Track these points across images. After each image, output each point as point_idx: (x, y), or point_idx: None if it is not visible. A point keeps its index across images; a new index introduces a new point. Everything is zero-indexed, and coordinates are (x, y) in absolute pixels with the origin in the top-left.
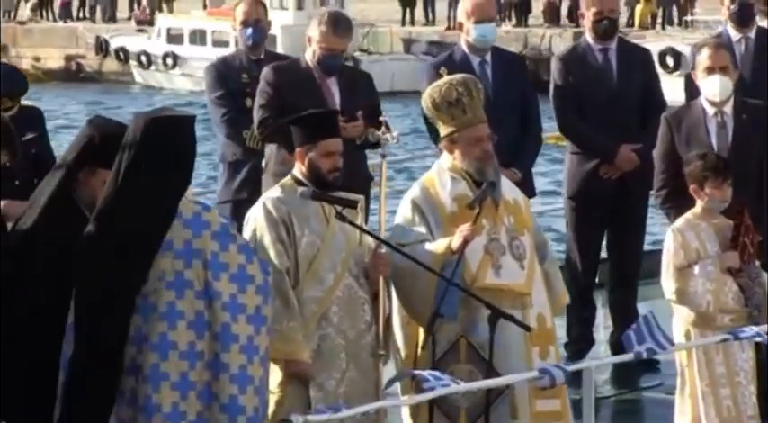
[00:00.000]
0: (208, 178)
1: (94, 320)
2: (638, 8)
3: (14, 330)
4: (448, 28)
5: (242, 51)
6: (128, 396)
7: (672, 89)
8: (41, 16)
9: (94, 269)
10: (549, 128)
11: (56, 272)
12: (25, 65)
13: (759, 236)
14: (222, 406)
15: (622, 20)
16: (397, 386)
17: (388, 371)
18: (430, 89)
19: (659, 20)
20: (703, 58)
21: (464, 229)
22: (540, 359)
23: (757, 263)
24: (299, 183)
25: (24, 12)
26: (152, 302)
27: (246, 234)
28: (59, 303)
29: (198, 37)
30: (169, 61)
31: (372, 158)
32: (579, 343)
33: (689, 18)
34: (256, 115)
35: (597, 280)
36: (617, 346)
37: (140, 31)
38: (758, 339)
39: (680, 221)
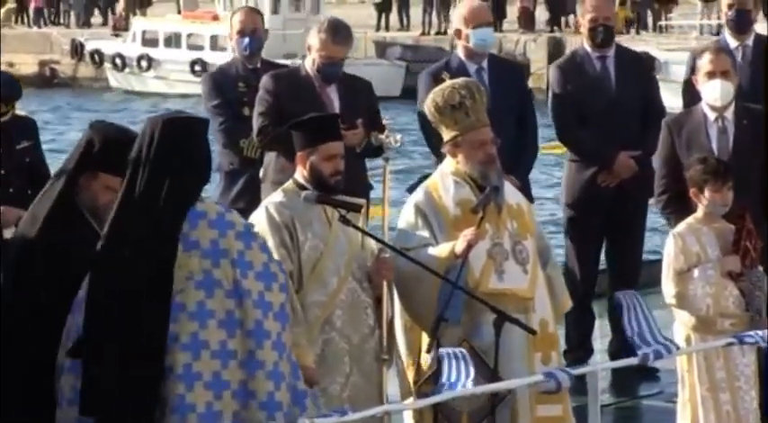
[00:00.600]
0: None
1: (134, 322)
2: None
3: (15, 334)
4: (422, 33)
5: (238, 60)
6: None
7: None
8: (17, 22)
9: (119, 272)
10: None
11: (57, 276)
12: None
13: (762, 241)
14: (261, 403)
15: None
16: (399, 392)
17: (392, 375)
18: (432, 93)
19: (634, 25)
20: (704, 62)
21: (468, 233)
22: (543, 364)
23: (760, 268)
24: (300, 187)
25: None
26: (181, 302)
27: None
28: (60, 306)
29: (173, 40)
30: (144, 64)
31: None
32: (578, 352)
33: (663, 23)
34: (256, 123)
35: (596, 289)
36: (615, 355)
37: (116, 35)
38: (764, 344)
39: (681, 226)
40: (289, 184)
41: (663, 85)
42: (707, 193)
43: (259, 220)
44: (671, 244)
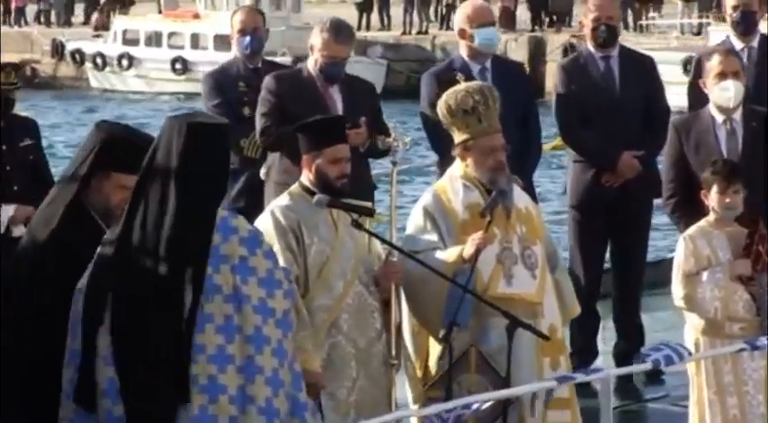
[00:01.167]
0: None
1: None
2: None
3: (24, 335)
4: (403, 33)
5: (239, 59)
6: None
7: None
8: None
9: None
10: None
11: (69, 279)
12: None
13: None
14: (260, 408)
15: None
16: (409, 397)
17: (399, 380)
18: (446, 95)
19: None
20: (714, 64)
21: (476, 237)
22: (551, 370)
23: None
24: (307, 190)
25: None
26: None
27: None
28: (66, 308)
29: (153, 39)
30: (124, 63)
31: (377, 169)
32: (583, 354)
33: (644, 23)
34: (258, 124)
35: (601, 290)
36: (620, 356)
37: (97, 35)
38: None
39: (693, 228)
40: (295, 187)
41: None
42: (713, 194)
43: (265, 223)
44: (681, 246)
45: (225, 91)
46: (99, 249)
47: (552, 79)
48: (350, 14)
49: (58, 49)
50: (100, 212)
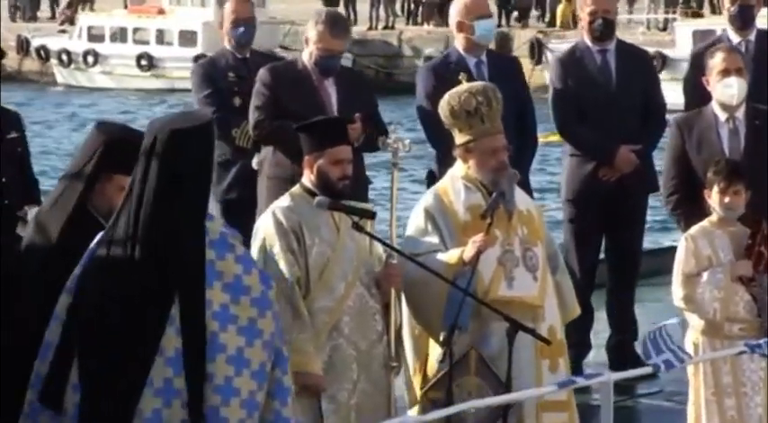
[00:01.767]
0: None
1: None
2: (560, 8)
3: (25, 337)
4: (370, 28)
5: (227, 50)
6: None
7: None
8: None
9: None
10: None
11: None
12: None
13: None
14: (202, 416)
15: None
16: (406, 399)
17: (400, 382)
18: (448, 96)
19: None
20: (717, 61)
21: (477, 239)
22: (550, 372)
23: None
24: (308, 191)
25: None
26: None
27: (256, 244)
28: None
29: (119, 35)
30: (90, 59)
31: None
32: (577, 348)
33: (580, 22)
34: (252, 117)
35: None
36: (613, 350)
37: (62, 31)
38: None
39: (695, 228)
40: (296, 188)
41: None
42: (714, 194)
43: (266, 225)
44: (682, 246)
45: (215, 81)
46: (90, 248)
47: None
48: (315, 9)
49: (23, 46)
50: (104, 215)
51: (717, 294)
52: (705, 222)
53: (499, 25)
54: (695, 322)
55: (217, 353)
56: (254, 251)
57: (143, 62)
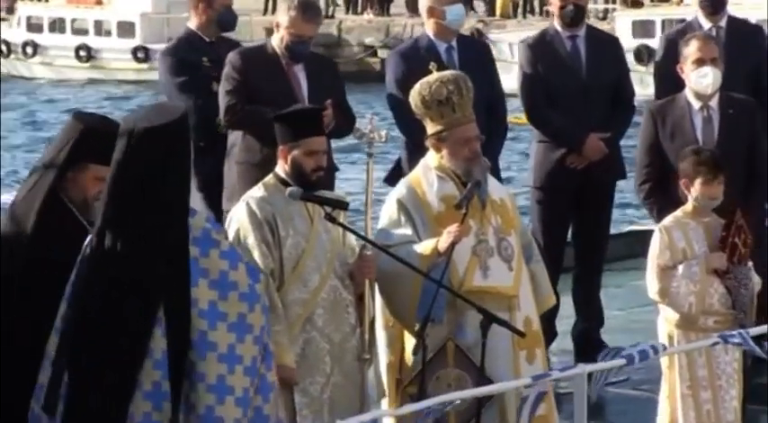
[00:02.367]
0: None
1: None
2: None
3: (11, 335)
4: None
5: (194, 33)
6: None
7: None
8: None
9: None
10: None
11: (47, 275)
12: None
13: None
14: (198, 416)
15: (482, 9)
16: (375, 392)
17: (372, 375)
18: (419, 85)
19: (520, 9)
20: (692, 50)
21: (452, 229)
22: (527, 363)
23: (750, 263)
24: (282, 181)
25: None
26: None
27: (229, 235)
28: (50, 312)
29: (57, 25)
30: (29, 50)
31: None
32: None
33: (550, 8)
34: (223, 101)
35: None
36: (579, 337)
37: (2, 19)
38: (746, 348)
39: (668, 219)
40: (269, 178)
41: None
42: (697, 185)
43: (239, 216)
44: (657, 238)
45: (190, 65)
46: (82, 252)
47: None
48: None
49: None
50: (77, 205)
51: (692, 288)
52: (678, 212)
53: None
54: (670, 315)
55: (207, 351)
56: None
57: (81, 53)
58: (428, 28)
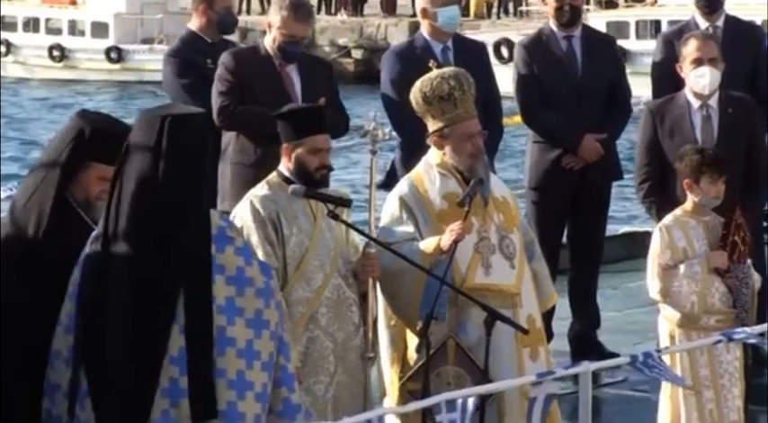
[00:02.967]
0: None
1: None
2: None
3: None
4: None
5: (196, 34)
6: None
7: (507, 80)
8: None
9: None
10: None
11: (56, 276)
12: None
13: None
14: (220, 413)
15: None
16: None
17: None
18: (420, 82)
19: (494, 10)
20: (691, 49)
21: (454, 227)
22: (531, 360)
23: (749, 261)
24: (286, 180)
25: None
26: None
27: None
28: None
29: (31, 24)
30: (2, 49)
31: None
32: None
33: (524, 8)
34: (216, 102)
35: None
36: (576, 339)
37: None
38: (752, 341)
39: (668, 218)
40: (273, 176)
41: None
42: (702, 184)
43: (243, 214)
44: (657, 237)
45: (196, 66)
46: (87, 248)
47: None
48: None
49: None
50: (81, 204)
51: (694, 287)
52: (678, 211)
53: (413, 15)
54: (670, 314)
55: (226, 347)
56: None
57: (55, 53)
58: (423, 29)
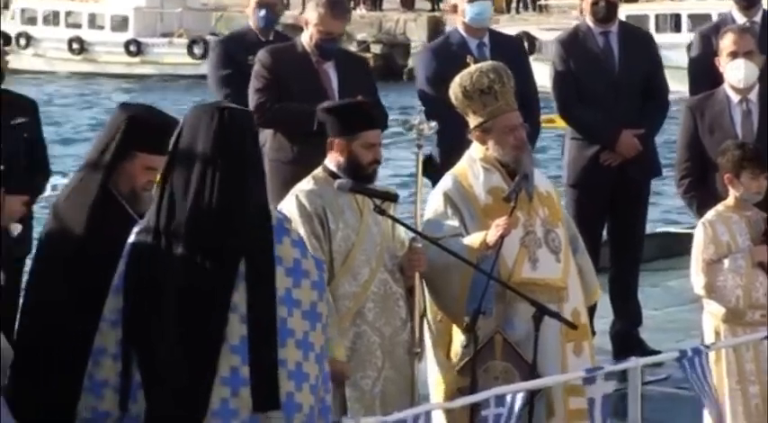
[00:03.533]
0: None
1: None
2: None
3: (51, 324)
4: (302, 12)
5: (252, 31)
6: None
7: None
8: None
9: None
10: None
11: (101, 269)
12: None
13: None
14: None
15: None
16: (431, 386)
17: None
18: (459, 78)
19: (514, 4)
20: (727, 42)
21: (500, 222)
22: (575, 355)
23: None
24: (332, 174)
25: None
26: None
27: None
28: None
29: (52, 18)
30: (22, 41)
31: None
32: None
33: (543, 2)
34: (252, 100)
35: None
36: (617, 337)
37: None
38: None
39: (711, 214)
40: (318, 171)
41: (543, 65)
42: (744, 179)
43: (289, 208)
44: (700, 233)
45: (236, 61)
46: (132, 239)
47: None
48: None
49: None
50: (126, 196)
51: (739, 281)
52: (720, 207)
53: (432, 10)
54: (716, 310)
55: (287, 338)
56: None
57: (74, 46)
58: (458, 24)
